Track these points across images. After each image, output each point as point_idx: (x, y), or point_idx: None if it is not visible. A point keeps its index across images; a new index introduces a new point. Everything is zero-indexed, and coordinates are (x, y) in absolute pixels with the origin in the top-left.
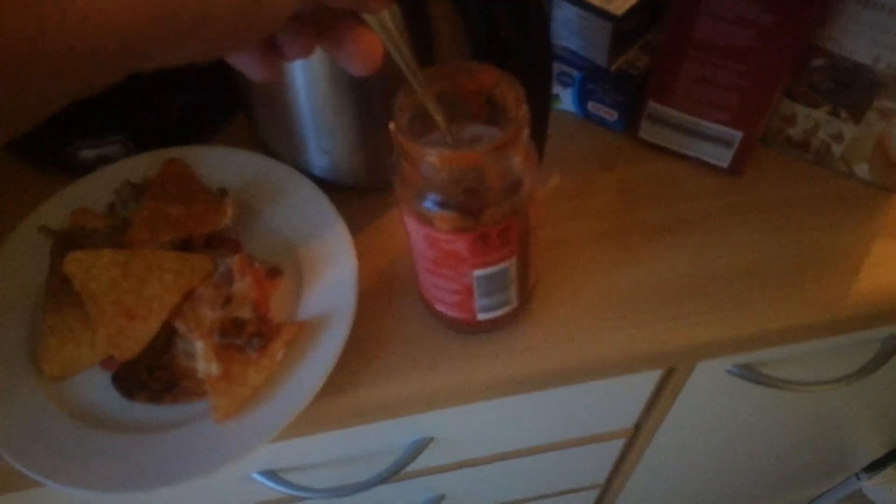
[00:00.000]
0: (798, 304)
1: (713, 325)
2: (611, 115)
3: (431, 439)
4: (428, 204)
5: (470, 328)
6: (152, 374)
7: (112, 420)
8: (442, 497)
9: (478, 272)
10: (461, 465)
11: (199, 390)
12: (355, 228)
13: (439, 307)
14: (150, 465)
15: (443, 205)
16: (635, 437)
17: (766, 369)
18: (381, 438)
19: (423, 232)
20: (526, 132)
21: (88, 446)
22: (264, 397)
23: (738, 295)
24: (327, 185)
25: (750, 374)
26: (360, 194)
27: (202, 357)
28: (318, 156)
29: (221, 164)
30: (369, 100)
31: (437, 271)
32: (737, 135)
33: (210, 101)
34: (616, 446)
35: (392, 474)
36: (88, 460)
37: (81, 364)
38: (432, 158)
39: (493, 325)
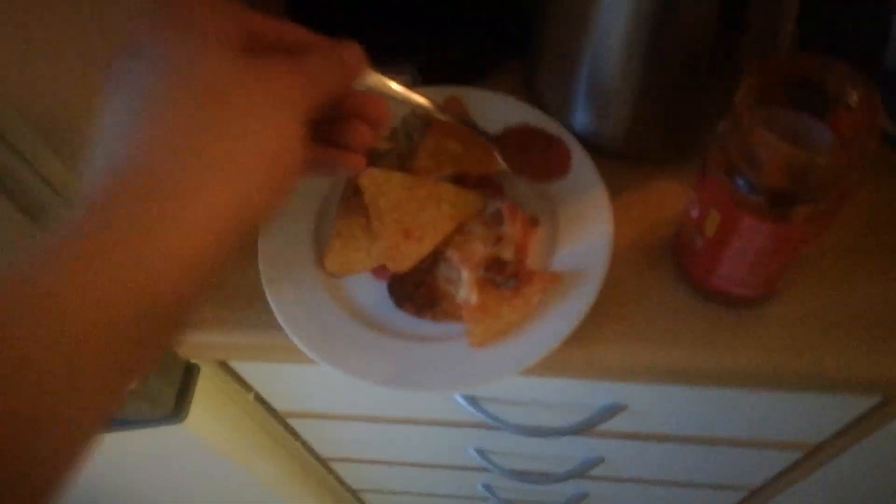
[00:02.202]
0: None
1: None
2: (892, 128)
3: (625, 407)
4: (774, 201)
5: (755, 301)
6: (417, 290)
7: (376, 320)
8: (601, 459)
9: (806, 248)
10: (636, 437)
11: (456, 314)
12: (613, 195)
13: (737, 290)
14: (408, 369)
15: (799, 197)
16: (813, 454)
17: None
18: (578, 393)
19: (770, 230)
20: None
21: (357, 339)
22: (515, 335)
23: None
24: (588, 146)
25: None
26: (618, 161)
27: (465, 285)
28: (589, 116)
29: (496, 109)
30: (659, 74)
31: (763, 261)
32: None
33: (494, 43)
34: (788, 457)
35: (577, 431)
36: (356, 351)
37: (357, 267)
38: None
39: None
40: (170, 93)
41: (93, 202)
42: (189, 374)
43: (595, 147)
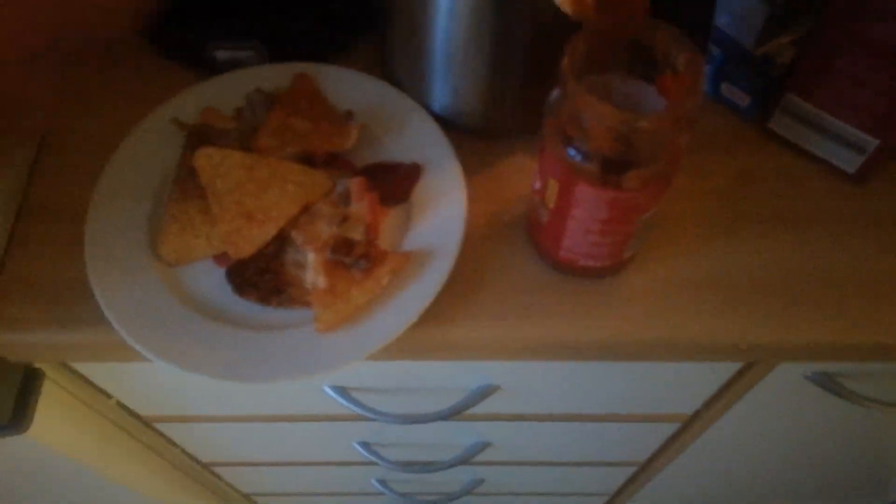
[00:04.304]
0: None
1: (811, 328)
2: (743, 101)
3: (498, 387)
4: (606, 168)
5: (606, 272)
6: (262, 277)
7: (217, 311)
8: (487, 444)
9: (644, 216)
10: (516, 418)
11: (304, 300)
12: (467, 171)
13: (585, 262)
14: (250, 359)
15: (630, 163)
16: (690, 423)
17: (846, 381)
18: (448, 377)
19: (605, 197)
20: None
21: (194, 331)
22: (364, 318)
23: (841, 303)
24: (446, 124)
25: (828, 383)
26: (476, 138)
27: (312, 269)
28: (443, 93)
29: (348, 86)
30: (508, 46)
31: (604, 229)
32: (873, 142)
33: (344, 19)
34: (668, 429)
35: (452, 414)
36: (193, 344)
37: (196, 254)
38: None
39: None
40: None
41: None
42: (30, 379)
43: (450, 123)
